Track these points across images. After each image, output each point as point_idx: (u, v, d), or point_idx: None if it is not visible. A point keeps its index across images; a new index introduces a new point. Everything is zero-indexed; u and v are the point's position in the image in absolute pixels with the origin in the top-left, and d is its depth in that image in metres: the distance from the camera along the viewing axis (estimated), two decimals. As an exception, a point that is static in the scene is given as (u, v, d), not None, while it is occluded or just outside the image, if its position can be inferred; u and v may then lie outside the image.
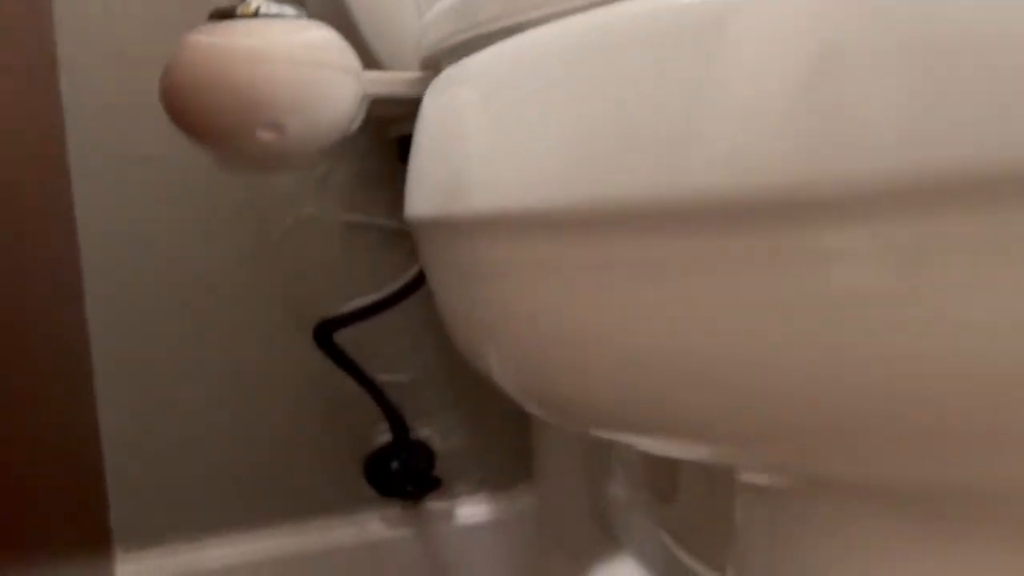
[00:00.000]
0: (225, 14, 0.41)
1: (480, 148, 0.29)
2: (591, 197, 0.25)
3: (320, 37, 0.41)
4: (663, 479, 0.53)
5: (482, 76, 0.31)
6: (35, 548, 0.54)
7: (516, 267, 0.28)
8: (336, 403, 0.79)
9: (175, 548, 0.76)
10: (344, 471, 0.80)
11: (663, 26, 0.22)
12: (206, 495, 0.77)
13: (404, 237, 0.80)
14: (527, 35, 0.28)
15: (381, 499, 0.81)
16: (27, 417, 0.55)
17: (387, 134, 0.73)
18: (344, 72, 0.40)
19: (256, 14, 0.40)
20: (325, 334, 0.71)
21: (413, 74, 0.48)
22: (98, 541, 0.72)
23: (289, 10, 0.42)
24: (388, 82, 0.45)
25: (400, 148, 0.71)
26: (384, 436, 0.81)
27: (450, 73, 0.35)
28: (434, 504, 0.83)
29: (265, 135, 0.36)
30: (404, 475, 0.76)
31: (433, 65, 0.46)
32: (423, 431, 0.83)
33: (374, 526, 0.81)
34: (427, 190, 0.34)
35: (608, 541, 0.71)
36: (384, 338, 0.80)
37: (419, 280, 0.69)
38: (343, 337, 0.73)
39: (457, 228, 0.31)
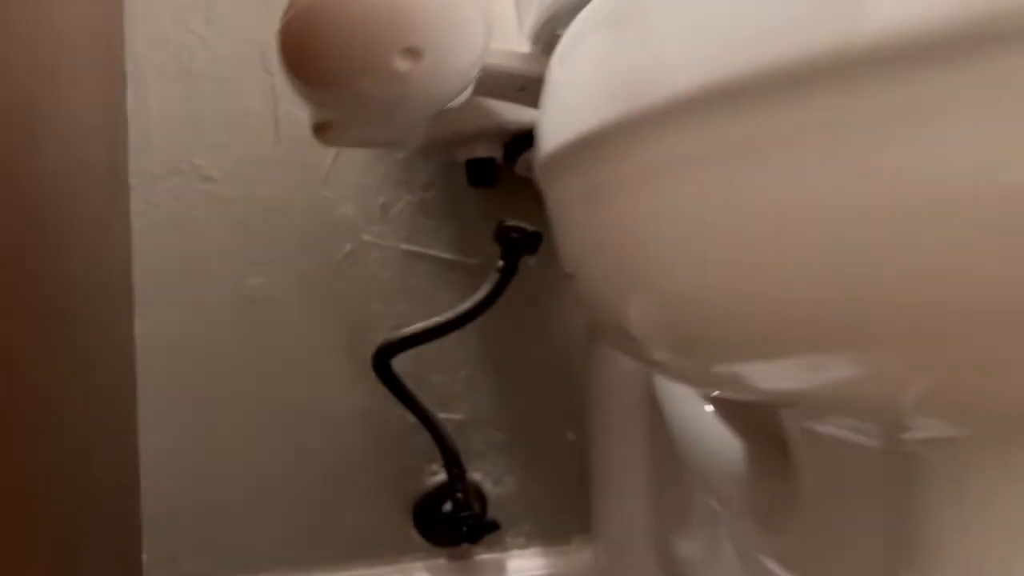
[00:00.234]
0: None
1: (674, 26, 0.26)
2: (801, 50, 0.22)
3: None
4: (775, 498, 0.49)
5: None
6: None
7: (709, 154, 0.26)
8: (387, 439, 0.75)
9: (208, 592, 0.71)
10: (391, 514, 0.75)
11: None
12: (246, 533, 0.72)
13: (461, 270, 0.77)
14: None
15: (428, 547, 0.76)
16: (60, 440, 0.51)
17: (455, 158, 0.71)
18: (478, 13, 0.38)
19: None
20: (383, 360, 0.67)
21: (523, 52, 0.46)
22: (128, 578, 0.67)
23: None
24: (502, 54, 0.44)
25: (470, 171, 0.70)
26: (434, 478, 0.76)
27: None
28: (483, 556, 0.77)
29: (401, 64, 0.34)
30: (457, 517, 0.71)
31: (547, 34, 0.45)
32: (473, 475, 0.78)
33: (420, 576, 0.75)
34: (583, 109, 0.31)
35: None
36: (437, 374, 0.77)
37: (480, 307, 0.65)
38: (398, 370, 0.70)
39: (634, 128, 0.28)
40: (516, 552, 0.78)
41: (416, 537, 0.75)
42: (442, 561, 0.76)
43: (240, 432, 0.71)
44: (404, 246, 0.76)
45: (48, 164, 0.54)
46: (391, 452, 0.75)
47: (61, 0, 0.56)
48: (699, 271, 0.30)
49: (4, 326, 0.37)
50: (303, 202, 0.74)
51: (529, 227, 0.63)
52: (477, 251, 0.78)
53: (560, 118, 0.34)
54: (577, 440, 0.80)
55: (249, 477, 0.72)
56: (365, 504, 0.74)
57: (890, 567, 0.37)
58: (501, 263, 0.64)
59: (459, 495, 0.71)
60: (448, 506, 0.73)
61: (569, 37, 0.36)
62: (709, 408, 0.56)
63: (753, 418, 0.53)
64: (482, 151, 0.68)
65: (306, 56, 0.36)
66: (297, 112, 0.74)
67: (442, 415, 0.75)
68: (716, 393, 0.42)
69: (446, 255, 0.77)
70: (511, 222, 0.62)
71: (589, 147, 0.31)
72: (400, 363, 0.69)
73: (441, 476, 0.76)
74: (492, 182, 0.70)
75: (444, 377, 0.77)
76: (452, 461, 0.72)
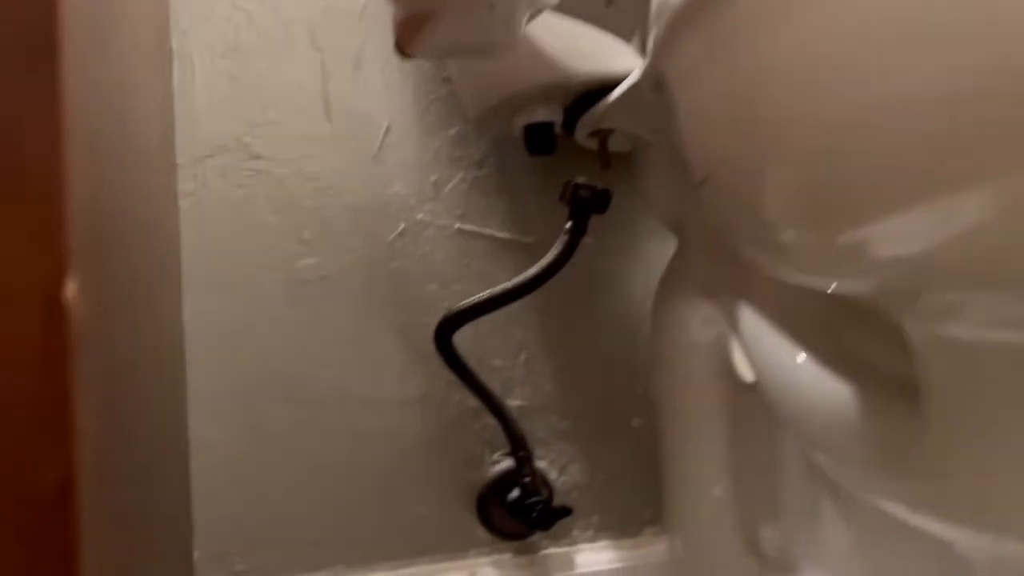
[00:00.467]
0: None
1: None
2: None
3: None
4: (898, 437, 0.44)
5: None
6: None
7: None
8: (447, 427, 0.71)
9: (263, 591, 0.66)
10: (453, 505, 0.71)
11: None
12: (300, 529, 0.67)
13: (517, 249, 0.74)
14: None
15: (493, 540, 0.71)
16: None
17: (512, 128, 0.69)
18: None
19: None
20: (446, 334, 0.64)
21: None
22: None
23: None
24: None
25: (528, 137, 0.67)
26: (496, 467, 0.72)
27: None
28: (551, 550, 0.73)
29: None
30: (526, 504, 0.67)
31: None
32: (537, 463, 0.74)
33: (486, 572, 0.70)
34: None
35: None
36: (496, 357, 0.73)
37: (548, 271, 0.62)
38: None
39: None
40: (585, 545, 0.74)
41: (480, 530, 0.71)
42: (508, 556, 0.72)
43: (292, 421, 0.68)
44: (459, 225, 0.73)
45: (137, 146, 0.52)
46: (451, 440, 0.71)
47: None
48: (830, 109, 0.27)
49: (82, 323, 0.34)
50: (354, 180, 0.71)
51: (599, 185, 0.60)
52: (534, 229, 0.75)
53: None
54: (644, 426, 0.76)
55: (302, 469, 0.68)
56: (426, 496, 0.70)
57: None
58: (569, 224, 0.60)
59: (527, 479, 0.67)
60: (515, 493, 0.69)
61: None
62: (803, 356, 0.52)
63: (860, 355, 0.50)
64: (541, 115, 0.66)
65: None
66: (347, 88, 0.71)
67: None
68: (834, 287, 0.38)
69: (502, 234, 0.74)
70: (580, 180, 0.59)
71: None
72: (458, 346, 0.66)
73: (504, 465, 0.72)
74: (551, 148, 0.67)
75: (503, 360, 0.73)
76: (518, 444, 0.68)
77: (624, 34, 0.63)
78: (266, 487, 0.67)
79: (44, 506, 0.25)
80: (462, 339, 0.66)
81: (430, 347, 0.67)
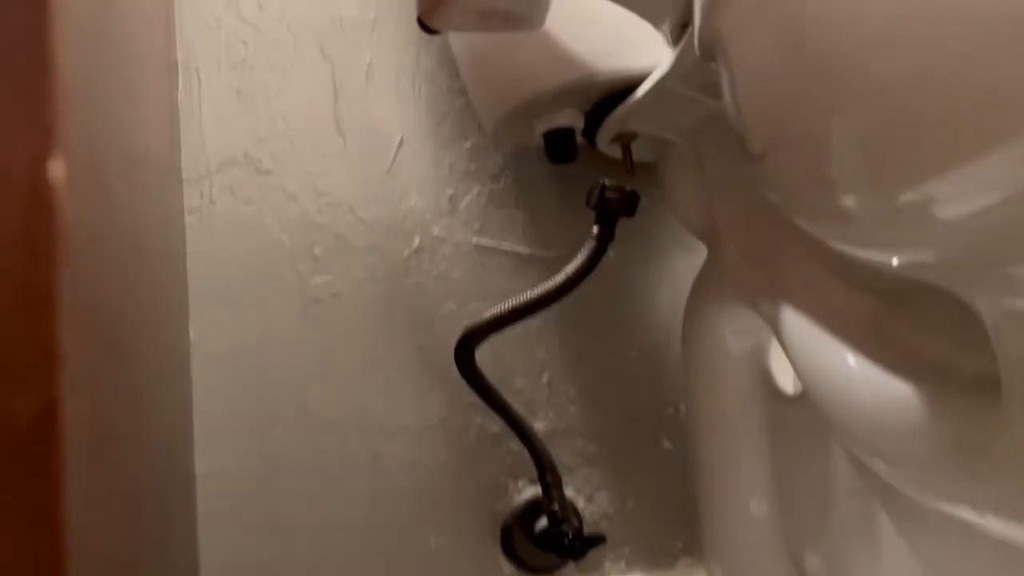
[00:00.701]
0: None
1: None
2: None
3: None
4: (971, 434, 0.41)
5: None
6: None
7: None
8: (467, 452, 0.67)
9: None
10: (476, 536, 0.67)
11: None
12: (313, 563, 0.63)
13: (537, 264, 0.71)
14: None
15: (518, 574, 0.67)
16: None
17: (531, 136, 0.66)
18: None
19: None
20: (468, 350, 0.60)
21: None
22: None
23: None
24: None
25: (548, 144, 0.64)
26: (520, 496, 0.68)
27: None
28: (580, 584, 0.68)
29: None
30: (556, 532, 0.62)
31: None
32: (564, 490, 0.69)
33: (512, 609, 0.66)
34: None
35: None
36: (519, 377, 0.69)
37: (575, 279, 0.58)
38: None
39: None
40: (616, 578, 0.69)
41: (505, 563, 0.67)
42: (535, 591, 0.67)
43: (304, 446, 0.64)
44: (476, 240, 0.70)
45: (140, 158, 0.49)
46: (473, 468, 0.67)
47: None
48: (904, 43, 0.25)
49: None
50: (367, 195, 0.68)
51: (627, 186, 0.57)
52: (554, 244, 0.72)
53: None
54: (675, 449, 0.72)
55: (315, 499, 0.64)
56: (447, 527, 0.66)
57: None
58: (596, 229, 0.57)
59: (556, 507, 0.63)
60: (543, 523, 0.65)
61: None
62: (855, 357, 0.49)
63: (917, 352, 0.46)
64: (562, 120, 0.63)
65: None
66: (358, 100, 0.69)
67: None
68: (898, 261, 0.35)
69: (521, 249, 0.71)
70: (608, 181, 0.56)
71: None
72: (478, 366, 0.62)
73: (528, 493, 0.68)
74: (573, 156, 0.64)
75: (525, 381, 0.69)
76: (545, 469, 0.64)
77: None
78: (276, 518, 0.62)
79: (17, 440, 0.21)
80: (481, 359, 0.62)
81: (448, 369, 0.63)
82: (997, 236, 0.30)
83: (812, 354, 0.51)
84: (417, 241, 0.68)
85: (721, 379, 0.64)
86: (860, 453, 0.49)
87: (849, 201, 0.33)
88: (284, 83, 0.67)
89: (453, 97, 0.71)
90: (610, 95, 0.60)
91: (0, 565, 0.24)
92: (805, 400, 0.60)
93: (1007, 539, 0.41)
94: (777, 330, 0.55)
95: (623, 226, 0.58)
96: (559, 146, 0.64)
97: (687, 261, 0.72)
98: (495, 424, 0.67)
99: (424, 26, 0.43)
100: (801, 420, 0.60)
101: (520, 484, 0.68)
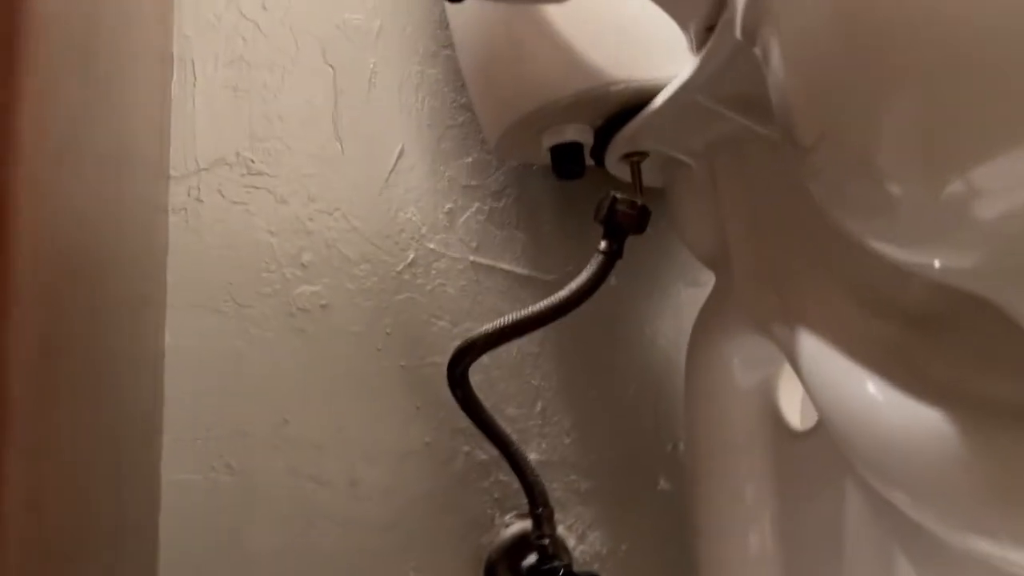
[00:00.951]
0: None
1: None
2: None
3: None
4: (1014, 462, 0.37)
5: None
6: None
7: None
8: (452, 481, 0.63)
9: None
10: (458, 571, 0.62)
11: None
12: (282, 593, 0.58)
13: (535, 286, 0.68)
14: None
15: (503, 616, 0.62)
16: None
17: (537, 152, 0.63)
18: None
19: None
20: (461, 367, 0.57)
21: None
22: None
23: None
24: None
25: (555, 159, 0.61)
26: (507, 530, 0.63)
27: None
28: (567, 630, 0.63)
29: None
30: (548, 568, 0.58)
31: None
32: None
33: (493, 652, 0.61)
34: None
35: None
36: (511, 405, 0.66)
37: (579, 296, 0.55)
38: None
39: None
40: (607, 625, 0.65)
41: (488, 603, 0.62)
42: (519, 635, 0.62)
43: (276, 464, 0.59)
44: (473, 257, 0.67)
45: (124, 153, 0.46)
46: (457, 498, 0.63)
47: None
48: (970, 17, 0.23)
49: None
50: (362, 203, 0.65)
51: (638, 201, 0.54)
52: (554, 266, 0.69)
53: None
54: (672, 488, 0.68)
55: (284, 522, 0.59)
56: (427, 561, 0.62)
57: None
58: (604, 244, 0.54)
59: (546, 541, 0.59)
60: (531, 559, 0.60)
61: None
62: (878, 384, 0.45)
63: (944, 379, 0.43)
64: (571, 134, 0.60)
65: None
66: (359, 107, 0.66)
67: (516, 454, 0.64)
68: (939, 264, 0.33)
69: (520, 270, 0.68)
70: (618, 194, 0.54)
71: None
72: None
73: (516, 527, 0.63)
74: (580, 172, 0.61)
75: (518, 409, 0.66)
76: (538, 499, 0.60)
77: None
78: (248, 544, 0.58)
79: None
80: (476, 382, 0.59)
81: (437, 390, 0.60)
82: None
83: (831, 380, 0.48)
84: (412, 255, 0.65)
85: (726, 411, 0.60)
86: (882, 487, 0.46)
87: (896, 189, 0.31)
88: (283, 83, 0.65)
89: (457, 111, 0.69)
90: (623, 110, 0.58)
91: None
92: (816, 436, 0.57)
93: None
94: (792, 355, 0.52)
95: (626, 254, 0.55)
96: (567, 161, 0.61)
97: (690, 295, 0.69)
98: (484, 452, 0.63)
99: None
100: (811, 457, 0.57)
101: (507, 518, 0.64)
